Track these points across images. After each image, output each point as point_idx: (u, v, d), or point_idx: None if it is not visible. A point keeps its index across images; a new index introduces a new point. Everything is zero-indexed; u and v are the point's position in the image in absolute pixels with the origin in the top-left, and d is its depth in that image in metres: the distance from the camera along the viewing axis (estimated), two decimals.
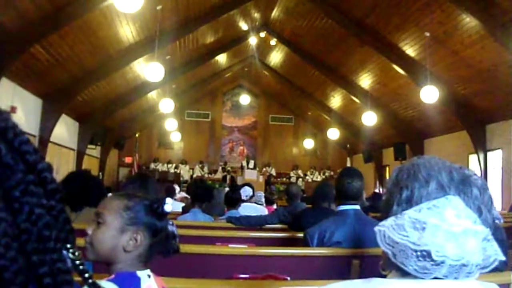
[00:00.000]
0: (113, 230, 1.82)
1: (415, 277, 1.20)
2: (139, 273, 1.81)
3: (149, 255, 1.89)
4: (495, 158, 14.75)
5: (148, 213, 1.88)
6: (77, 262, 1.10)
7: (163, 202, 1.89)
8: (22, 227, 0.86)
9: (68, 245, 1.03)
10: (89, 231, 1.82)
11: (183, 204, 8.04)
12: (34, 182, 0.90)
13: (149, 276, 1.83)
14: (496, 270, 1.25)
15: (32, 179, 0.90)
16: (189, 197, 9.74)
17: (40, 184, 0.92)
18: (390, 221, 1.26)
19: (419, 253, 1.17)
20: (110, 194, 2.00)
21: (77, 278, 1.13)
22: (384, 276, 1.30)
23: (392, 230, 1.23)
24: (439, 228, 1.17)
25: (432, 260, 1.16)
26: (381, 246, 1.26)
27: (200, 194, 6.48)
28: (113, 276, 1.76)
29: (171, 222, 1.92)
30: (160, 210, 1.89)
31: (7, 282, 0.81)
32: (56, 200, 0.95)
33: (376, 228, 1.28)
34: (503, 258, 1.20)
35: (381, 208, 1.41)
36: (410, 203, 1.27)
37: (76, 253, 1.08)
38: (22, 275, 0.83)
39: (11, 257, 0.82)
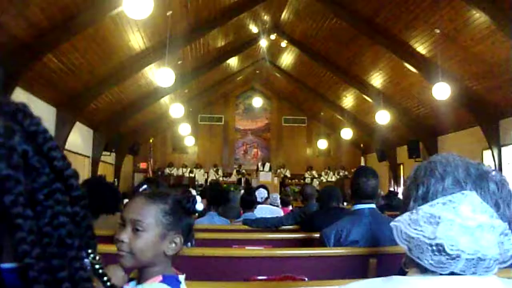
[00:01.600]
0: (155, 237, 1.83)
1: (434, 273, 1.21)
2: (180, 277, 1.84)
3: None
4: (510, 153, 14.63)
5: (183, 213, 1.91)
6: (97, 266, 1.12)
7: (194, 200, 1.92)
8: (43, 230, 0.88)
9: (89, 250, 1.05)
10: (125, 239, 1.80)
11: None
12: (60, 190, 0.92)
13: (183, 279, 1.86)
14: None
15: (58, 187, 0.92)
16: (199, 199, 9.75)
17: (66, 191, 0.94)
18: (405, 216, 1.27)
19: (434, 247, 1.18)
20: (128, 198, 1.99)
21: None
22: (405, 273, 1.31)
23: (407, 226, 1.24)
24: (454, 222, 1.17)
25: (447, 254, 1.17)
26: (397, 241, 1.27)
27: (216, 197, 6.49)
28: (160, 277, 1.78)
29: None
30: (192, 208, 1.93)
31: (32, 280, 0.83)
32: (80, 206, 0.97)
33: (392, 224, 1.29)
34: None
35: (400, 206, 1.42)
36: (426, 199, 1.28)
37: (97, 258, 1.10)
38: (47, 274, 0.85)
39: (37, 254, 0.84)
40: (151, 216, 1.83)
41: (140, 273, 1.87)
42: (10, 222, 0.83)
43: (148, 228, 1.81)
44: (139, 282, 1.86)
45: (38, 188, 0.89)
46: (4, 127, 0.87)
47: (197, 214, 7.41)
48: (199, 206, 1.91)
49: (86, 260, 0.98)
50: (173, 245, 1.87)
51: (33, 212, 0.87)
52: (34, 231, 0.84)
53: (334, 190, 5.99)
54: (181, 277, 1.85)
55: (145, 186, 1.99)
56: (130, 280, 1.96)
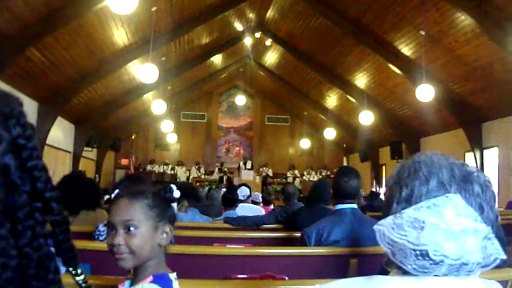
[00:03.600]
0: (149, 231, 1.87)
1: (416, 275, 1.20)
2: (170, 275, 1.89)
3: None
4: (491, 155, 14.78)
5: (165, 203, 1.97)
6: (81, 282, 1.12)
7: (171, 189, 1.97)
8: (23, 251, 0.86)
9: (70, 268, 1.04)
10: (121, 242, 1.82)
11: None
12: (40, 210, 0.90)
13: (175, 278, 1.90)
14: (496, 266, 1.25)
15: (38, 207, 0.90)
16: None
17: (45, 213, 0.92)
18: (389, 220, 1.26)
19: (418, 252, 1.17)
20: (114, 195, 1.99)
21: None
22: (387, 273, 1.30)
23: (390, 230, 1.23)
24: (438, 227, 1.17)
25: (431, 259, 1.16)
26: (380, 245, 1.26)
27: (185, 194, 6.54)
28: (151, 278, 1.82)
29: None
30: (171, 197, 1.98)
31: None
32: (60, 230, 0.96)
33: (375, 227, 1.28)
34: (504, 257, 1.20)
35: (382, 206, 1.41)
36: (409, 201, 1.27)
37: (79, 271, 1.09)
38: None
39: (7, 278, 0.81)
40: (139, 213, 1.86)
41: (135, 271, 1.90)
42: None
43: (140, 224, 1.85)
44: (134, 281, 1.89)
45: (18, 206, 0.87)
46: None
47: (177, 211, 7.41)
48: (176, 193, 1.96)
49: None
50: (165, 235, 1.92)
51: (12, 231, 0.85)
52: (7, 253, 0.82)
53: (323, 188, 5.72)
54: (172, 275, 1.89)
55: (117, 191, 1.99)
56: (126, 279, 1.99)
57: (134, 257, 1.82)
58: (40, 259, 0.87)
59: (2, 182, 0.84)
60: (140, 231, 1.84)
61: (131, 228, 1.83)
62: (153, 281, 1.80)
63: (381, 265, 1.36)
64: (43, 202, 0.91)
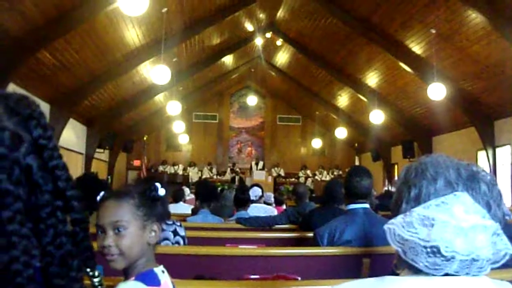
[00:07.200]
0: (137, 231, 1.89)
1: (427, 274, 1.21)
2: (156, 269, 1.89)
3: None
4: (504, 154, 14.67)
5: (151, 202, 1.97)
6: (97, 284, 1.13)
7: (156, 188, 1.97)
8: (46, 250, 0.88)
9: (88, 269, 1.06)
10: (111, 243, 1.84)
11: (192, 206, 8.03)
12: (61, 208, 0.92)
13: (163, 271, 1.91)
14: (506, 266, 1.25)
15: (60, 205, 0.91)
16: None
17: (67, 211, 0.93)
18: (399, 219, 1.27)
19: (429, 249, 1.18)
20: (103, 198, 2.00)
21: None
22: (397, 275, 1.31)
23: (401, 228, 1.24)
24: (448, 224, 1.18)
25: (442, 255, 1.17)
26: (391, 244, 1.26)
27: (207, 194, 6.49)
28: (133, 278, 1.84)
29: (179, 223, 1.97)
30: (157, 195, 1.97)
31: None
32: (80, 228, 0.97)
33: (386, 226, 1.29)
34: None
35: (391, 207, 1.41)
36: (418, 201, 1.28)
37: (96, 273, 1.11)
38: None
39: (29, 275, 0.82)
40: (127, 213, 1.89)
41: (125, 271, 1.91)
42: (6, 237, 0.82)
43: (128, 225, 1.87)
44: (125, 280, 1.90)
45: (41, 205, 0.89)
46: (11, 134, 0.86)
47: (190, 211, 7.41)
48: (161, 191, 1.97)
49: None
50: (153, 233, 1.95)
51: (35, 230, 0.86)
52: (29, 251, 0.83)
53: (335, 188, 5.57)
54: (158, 269, 1.90)
55: (102, 193, 2.01)
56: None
57: (124, 257, 1.85)
58: (62, 257, 0.89)
59: (25, 183, 0.86)
60: (129, 231, 1.86)
61: (120, 229, 1.85)
62: (135, 279, 1.82)
63: (391, 268, 1.36)
64: (64, 200, 0.93)
